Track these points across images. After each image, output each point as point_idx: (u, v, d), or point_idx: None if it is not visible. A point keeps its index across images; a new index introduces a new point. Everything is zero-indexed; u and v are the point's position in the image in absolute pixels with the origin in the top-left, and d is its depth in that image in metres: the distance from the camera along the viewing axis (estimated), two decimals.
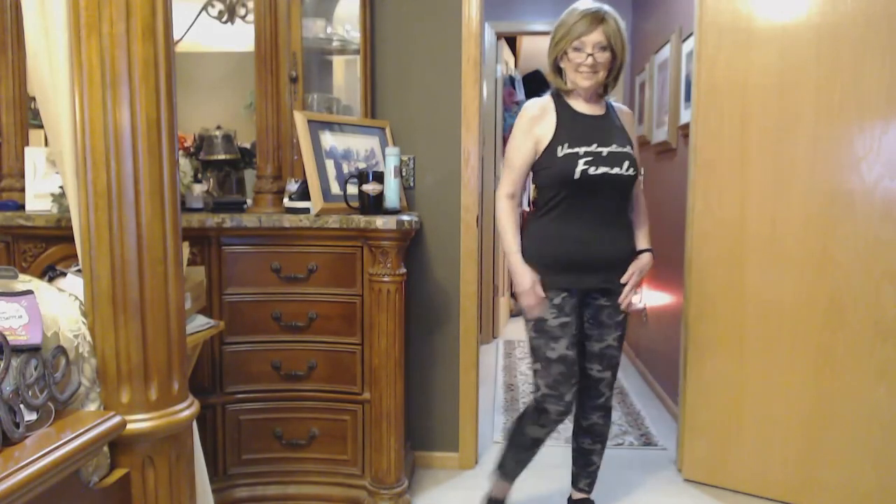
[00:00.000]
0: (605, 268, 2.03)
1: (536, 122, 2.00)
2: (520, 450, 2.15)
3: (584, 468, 2.27)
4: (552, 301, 1.99)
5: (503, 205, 2.04)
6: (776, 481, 2.40)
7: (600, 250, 2.00)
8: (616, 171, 1.94)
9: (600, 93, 2.04)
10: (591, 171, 1.92)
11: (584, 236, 1.98)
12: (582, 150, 1.93)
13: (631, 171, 1.97)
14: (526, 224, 2.12)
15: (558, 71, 2.02)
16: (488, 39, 4.59)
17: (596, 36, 1.90)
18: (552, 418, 2.04)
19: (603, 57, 1.92)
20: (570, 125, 1.98)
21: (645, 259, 2.11)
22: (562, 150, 1.94)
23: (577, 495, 2.31)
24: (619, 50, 1.94)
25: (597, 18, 1.90)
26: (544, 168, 1.99)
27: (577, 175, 1.91)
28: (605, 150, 1.94)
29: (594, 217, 1.98)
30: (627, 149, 1.99)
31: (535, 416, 2.07)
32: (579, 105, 2.02)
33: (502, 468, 2.21)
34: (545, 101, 2.03)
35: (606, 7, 1.94)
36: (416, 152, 2.60)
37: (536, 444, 2.12)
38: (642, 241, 2.14)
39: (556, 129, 1.97)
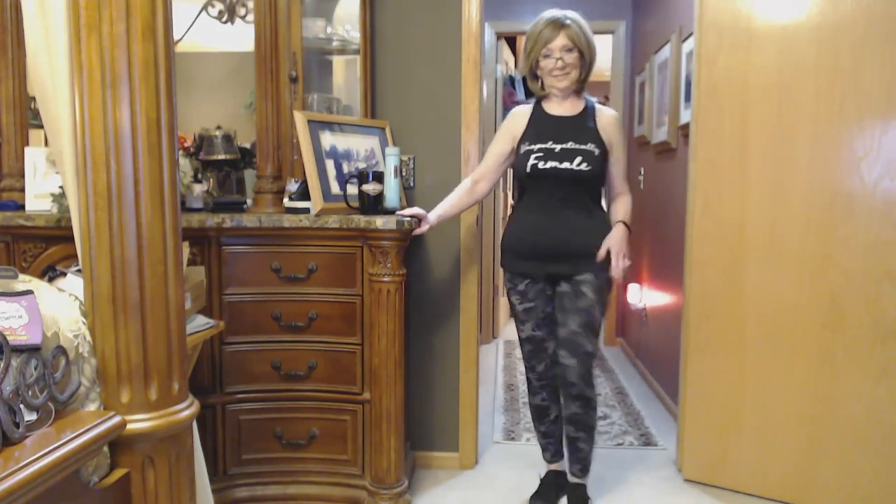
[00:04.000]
0: (562, 255, 2.18)
1: (513, 122, 2.26)
2: (534, 422, 2.45)
3: (574, 454, 2.35)
4: (517, 287, 2.26)
5: (461, 183, 2.36)
6: (776, 481, 2.40)
7: (555, 238, 2.17)
8: (566, 165, 2.12)
9: (576, 89, 2.20)
10: (541, 165, 2.14)
11: (539, 225, 2.19)
12: (536, 146, 2.16)
13: (584, 167, 2.12)
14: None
15: (535, 78, 2.23)
16: (488, 39, 4.59)
17: (560, 40, 2.11)
18: (534, 386, 2.36)
19: (571, 58, 2.13)
20: (536, 126, 2.22)
21: (615, 232, 2.19)
22: (523, 148, 2.19)
23: (572, 480, 2.39)
24: (584, 49, 2.14)
25: (559, 24, 2.12)
26: (514, 164, 2.25)
27: (528, 169, 2.15)
28: (558, 147, 2.14)
29: (549, 208, 2.18)
30: (587, 146, 2.15)
31: (527, 387, 2.41)
32: (553, 108, 2.23)
33: (544, 450, 2.48)
34: (526, 107, 2.29)
35: (569, 13, 2.15)
36: (416, 152, 2.60)
37: (539, 412, 2.39)
38: (618, 215, 2.25)
39: (525, 130, 2.22)
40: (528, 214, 2.22)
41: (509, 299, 2.31)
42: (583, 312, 2.17)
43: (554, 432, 2.42)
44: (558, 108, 2.22)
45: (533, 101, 2.30)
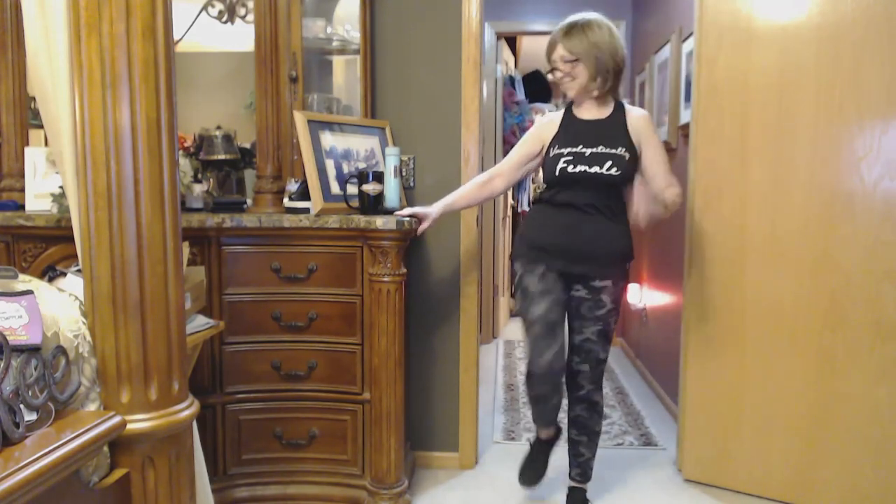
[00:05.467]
0: (582, 257, 2.14)
1: (544, 128, 2.24)
2: (533, 404, 2.32)
3: (574, 458, 2.35)
4: (535, 271, 2.17)
5: (475, 176, 2.36)
6: (776, 481, 2.40)
7: (577, 240, 2.13)
8: (595, 169, 2.08)
9: (600, 94, 2.15)
10: (570, 168, 2.10)
11: (564, 225, 2.14)
12: (566, 150, 2.12)
13: (613, 171, 2.08)
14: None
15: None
16: (488, 39, 4.59)
17: (559, 51, 2.10)
18: (535, 377, 2.18)
19: (568, 67, 2.09)
20: (566, 129, 2.18)
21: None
22: (553, 151, 2.16)
23: (571, 483, 2.39)
24: (585, 57, 2.07)
25: (562, 33, 2.09)
26: (543, 166, 2.22)
27: (557, 172, 2.12)
28: (588, 151, 2.10)
29: (577, 210, 2.13)
30: (617, 150, 2.10)
31: (525, 380, 2.25)
32: (582, 112, 2.20)
33: (534, 420, 2.38)
34: (557, 113, 2.27)
35: (587, 17, 2.10)
36: (416, 152, 2.60)
37: (538, 400, 2.27)
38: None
39: (555, 134, 2.19)
40: (555, 212, 2.17)
41: (524, 283, 2.18)
42: (600, 321, 2.17)
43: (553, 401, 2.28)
44: (588, 112, 2.18)
45: (564, 107, 2.28)
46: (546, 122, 2.25)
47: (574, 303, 2.18)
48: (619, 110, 2.17)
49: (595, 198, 2.11)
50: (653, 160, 2.13)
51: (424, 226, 2.24)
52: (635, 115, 2.17)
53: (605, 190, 2.11)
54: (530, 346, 2.18)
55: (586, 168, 2.08)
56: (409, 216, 2.18)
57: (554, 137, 2.18)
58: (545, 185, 2.23)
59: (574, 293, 2.18)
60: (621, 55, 2.11)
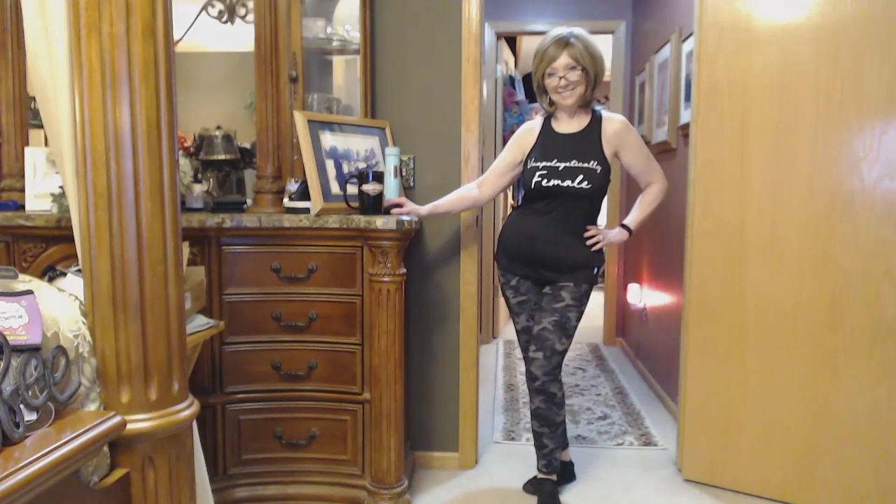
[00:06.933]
0: (549, 265, 2.28)
1: (524, 137, 2.37)
2: (534, 423, 2.37)
3: (539, 450, 2.39)
4: (510, 283, 2.37)
5: (464, 185, 2.50)
6: (776, 481, 2.40)
7: (546, 249, 2.26)
8: (567, 183, 2.20)
9: (583, 104, 2.27)
10: (544, 182, 2.22)
11: (535, 234, 2.28)
12: (541, 164, 2.25)
13: (584, 185, 2.19)
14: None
15: (544, 93, 2.29)
16: (488, 39, 4.59)
17: (563, 59, 2.17)
18: (529, 379, 2.30)
19: (574, 75, 2.18)
20: (543, 143, 2.30)
21: (615, 230, 2.35)
22: (529, 164, 2.29)
23: (538, 475, 2.43)
24: (588, 66, 2.19)
25: (562, 43, 2.18)
26: (522, 177, 2.36)
27: (532, 185, 2.25)
28: (562, 165, 2.22)
29: (548, 221, 2.26)
30: (590, 164, 2.21)
31: (527, 386, 2.35)
32: (560, 125, 2.31)
33: (537, 448, 2.42)
34: (535, 123, 2.38)
35: (575, 30, 2.21)
36: (416, 152, 2.60)
37: (537, 415, 2.33)
38: (627, 218, 2.39)
39: (533, 145, 2.32)
40: (527, 220, 2.31)
41: (503, 293, 2.41)
42: (556, 312, 2.25)
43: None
44: (566, 125, 2.29)
45: (539, 118, 2.38)
46: (525, 131, 2.37)
47: (540, 298, 2.33)
48: (596, 121, 2.27)
49: (565, 208, 2.24)
50: (631, 163, 2.32)
51: (400, 210, 2.26)
52: (611, 127, 2.26)
53: (577, 201, 2.23)
54: (522, 350, 2.38)
55: (559, 182, 2.20)
56: (395, 205, 2.24)
57: (532, 149, 2.31)
58: (523, 192, 2.35)
59: (543, 290, 2.32)
60: (604, 66, 2.26)
